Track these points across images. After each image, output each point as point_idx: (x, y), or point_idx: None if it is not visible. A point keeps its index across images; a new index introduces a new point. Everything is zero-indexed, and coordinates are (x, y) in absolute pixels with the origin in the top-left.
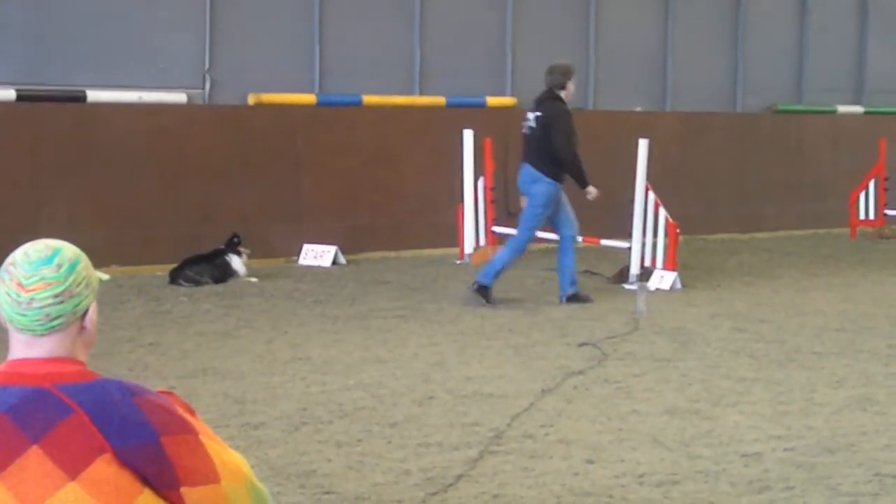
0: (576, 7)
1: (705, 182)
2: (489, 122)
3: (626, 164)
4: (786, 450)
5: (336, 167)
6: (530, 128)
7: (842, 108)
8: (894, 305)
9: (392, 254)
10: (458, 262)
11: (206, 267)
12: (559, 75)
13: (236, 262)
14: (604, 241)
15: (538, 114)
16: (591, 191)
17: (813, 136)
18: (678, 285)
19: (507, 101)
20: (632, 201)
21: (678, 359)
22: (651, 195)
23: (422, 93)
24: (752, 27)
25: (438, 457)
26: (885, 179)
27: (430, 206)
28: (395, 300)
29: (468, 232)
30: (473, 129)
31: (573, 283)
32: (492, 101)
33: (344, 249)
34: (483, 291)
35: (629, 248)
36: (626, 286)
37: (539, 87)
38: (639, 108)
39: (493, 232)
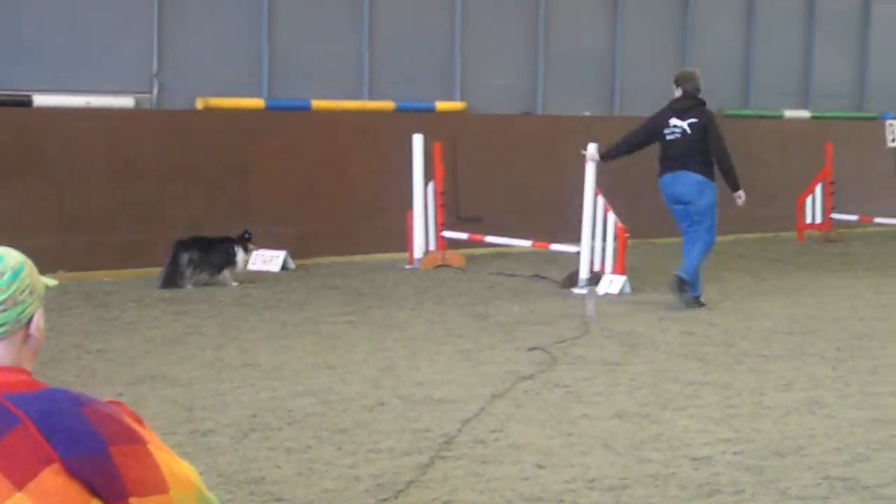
0: (525, 12)
1: (654, 186)
2: (439, 127)
3: (575, 169)
4: (735, 453)
5: (285, 172)
6: (683, 133)
7: (789, 113)
8: (842, 309)
9: (341, 259)
10: (408, 267)
11: (203, 254)
12: (697, 81)
13: (240, 255)
14: (553, 246)
15: (693, 120)
16: (742, 194)
17: (760, 141)
18: (627, 289)
19: (457, 105)
20: (581, 205)
21: (627, 363)
22: (600, 199)
23: (371, 98)
24: (699, 32)
25: (389, 463)
26: (832, 183)
27: (379, 211)
28: (344, 305)
29: (418, 237)
30: (423, 134)
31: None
32: (441, 105)
33: (293, 254)
34: (682, 286)
35: (578, 253)
36: (576, 290)
37: (483, 92)
38: (587, 113)
39: (443, 237)
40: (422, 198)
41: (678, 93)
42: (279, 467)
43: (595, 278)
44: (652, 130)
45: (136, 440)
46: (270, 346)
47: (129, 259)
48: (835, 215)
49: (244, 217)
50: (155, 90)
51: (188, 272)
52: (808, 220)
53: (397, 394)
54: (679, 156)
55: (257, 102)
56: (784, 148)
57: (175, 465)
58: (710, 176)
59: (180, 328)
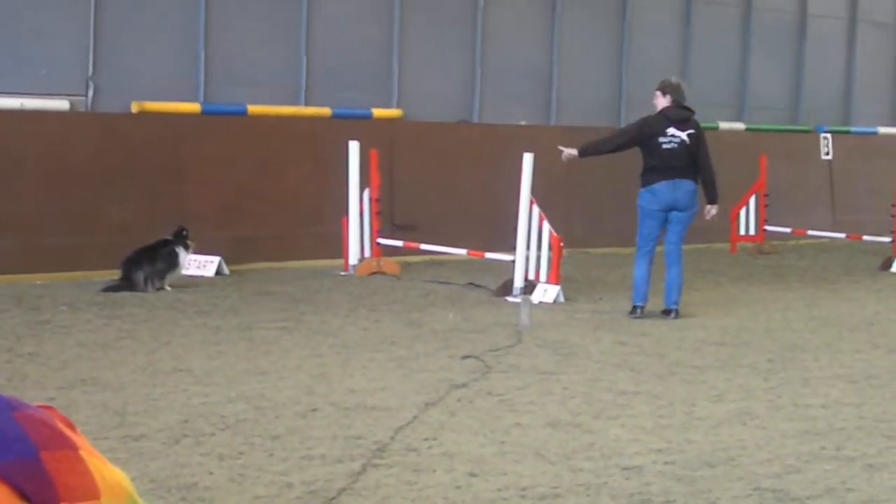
0: (462, 20)
1: (589, 196)
2: (375, 134)
3: (511, 178)
4: (666, 463)
5: (220, 177)
6: (682, 143)
7: (724, 125)
8: (774, 320)
9: (276, 265)
10: (343, 273)
11: (152, 266)
12: (683, 91)
13: (182, 256)
14: (488, 255)
15: (691, 131)
16: (716, 208)
17: None
18: (561, 298)
19: (393, 112)
20: (516, 214)
21: (560, 372)
22: (535, 209)
23: (308, 103)
24: (636, 42)
25: (321, 470)
26: (766, 195)
27: (314, 218)
28: (278, 311)
29: (353, 244)
30: (359, 141)
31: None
32: (378, 112)
33: (228, 260)
34: (672, 313)
35: (513, 262)
36: (510, 299)
37: (420, 99)
38: (524, 122)
39: (378, 244)
40: (357, 205)
41: (665, 101)
42: (211, 473)
43: (529, 287)
44: (641, 136)
45: (68, 445)
46: (203, 351)
47: (62, 263)
48: (768, 227)
49: (179, 221)
50: (90, 93)
51: (147, 287)
52: (742, 232)
53: (330, 401)
54: (676, 164)
55: (193, 107)
56: (718, 160)
57: (107, 471)
58: (698, 184)
59: (113, 332)
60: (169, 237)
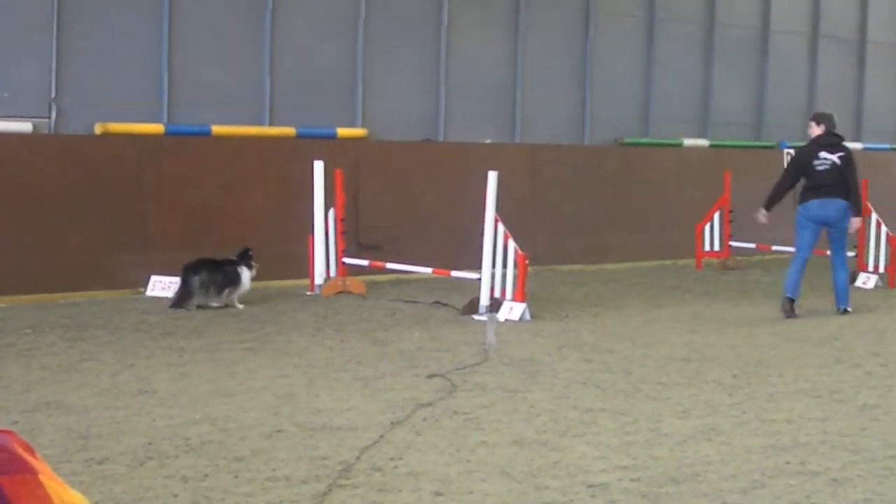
0: (426, 40)
1: (554, 214)
2: (340, 154)
3: (476, 196)
4: (632, 480)
5: (184, 197)
6: (833, 164)
7: (688, 141)
8: (739, 336)
9: None
10: (309, 293)
11: (214, 277)
12: (834, 120)
13: (245, 275)
14: (454, 273)
15: (841, 154)
16: (859, 221)
17: (659, 169)
18: (527, 316)
19: (358, 132)
20: (481, 233)
21: (526, 390)
22: (500, 227)
23: (272, 123)
24: (599, 61)
25: (286, 491)
26: (730, 211)
27: (280, 238)
28: (243, 332)
29: (318, 263)
30: (324, 161)
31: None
32: (342, 132)
33: None
34: (847, 313)
35: (479, 280)
36: (476, 317)
37: (385, 119)
38: (488, 141)
39: (344, 263)
40: (322, 224)
41: (819, 130)
42: (176, 496)
43: (495, 305)
44: (801, 167)
45: (27, 470)
46: (168, 373)
47: (25, 285)
48: (733, 243)
49: (143, 243)
50: (53, 115)
51: (199, 293)
52: (707, 248)
53: (295, 421)
54: (828, 184)
55: (157, 128)
56: (683, 176)
57: (66, 495)
58: (850, 202)
59: (76, 355)
60: (233, 257)
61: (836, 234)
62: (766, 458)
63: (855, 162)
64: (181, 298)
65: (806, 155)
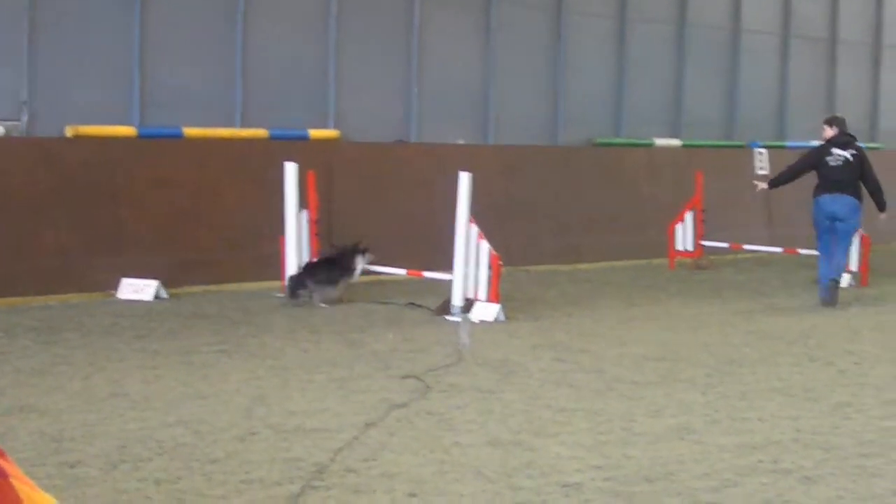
0: (398, 41)
1: (527, 214)
2: (312, 155)
3: (449, 197)
4: (605, 479)
5: (157, 200)
6: (846, 161)
7: (659, 141)
8: (712, 335)
9: (214, 287)
10: (281, 295)
11: (329, 270)
12: (846, 123)
13: (359, 263)
14: (427, 274)
15: (853, 152)
16: (885, 216)
17: (631, 169)
18: (501, 317)
19: (330, 133)
20: (454, 233)
21: (500, 390)
22: (473, 227)
23: (244, 125)
24: (571, 62)
25: (260, 493)
26: (702, 211)
27: (252, 240)
28: (216, 335)
29: (291, 265)
30: (296, 162)
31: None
32: (315, 133)
33: (165, 283)
34: (836, 281)
35: (452, 281)
36: (450, 318)
37: (357, 120)
38: (461, 141)
39: None
40: (295, 226)
41: (833, 131)
42: (149, 499)
43: (469, 306)
44: (814, 161)
45: None
46: (141, 375)
47: None
48: (705, 242)
49: (115, 246)
50: (24, 118)
51: (316, 285)
52: (679, 248)
53: (269, 423)
54: (839, 180)
55: (128, 130)
56: (655, 176)
57: (38, 497)
58: (861, 199)
59: (48, 358)
60: (348, 249)
61: (842, 228)
62: (739, 457)
63: (869, 160)
64: (295, 292)
65: (820, 152)
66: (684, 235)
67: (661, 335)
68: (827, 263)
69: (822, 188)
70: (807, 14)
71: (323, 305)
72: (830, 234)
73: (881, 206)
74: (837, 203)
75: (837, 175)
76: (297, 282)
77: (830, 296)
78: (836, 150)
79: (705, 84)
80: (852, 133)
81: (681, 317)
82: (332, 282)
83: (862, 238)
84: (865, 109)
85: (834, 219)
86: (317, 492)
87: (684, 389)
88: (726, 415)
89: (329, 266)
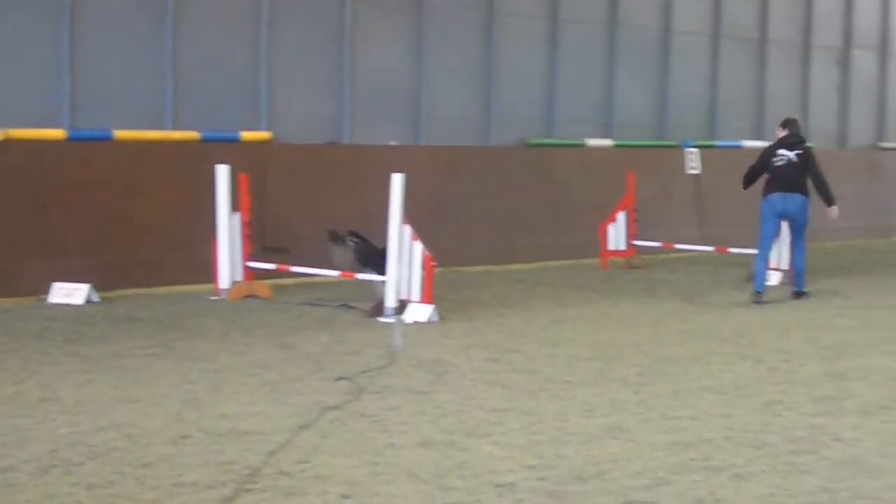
0: (330, 42)
1: (460, 215)
2: (244, 157)
3: (382, 198)
4: (538, 479)
5: (87, 203)
6: (790, 160)
7: (591, 141)
8: (644, 334)
9: (146, 291)
10: (214, 298)
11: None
12: (799, 127)
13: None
14: (360, 275)
15: (799, 152)
16: (835, 210)
17: (564, 169)
18: (434, 318)
19: (262, 135)
20: (387, 235)
21: (433, 391)
22: (406, 229)
23: (175, 127)
24: (503, 63)
25: (192, 496)
26: (634, 211)
27: (184, 242)
28: (148, 338)
29: (223, 268)
30: (228, 164)
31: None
32: (246, 135)
33: (97, 287)
34: (801, 294)
35: (385, 282)
36: (383, 320)
37: (289, 122)
38: (394, 143)
39: (250, 267)
40: (227, 228)
41: (784, 132)
42: (81, 503)
43: (402, 307)
44: (764, 161)
45: None
46: (72, 380)
47: None
48: (637, 242)
49: (46, 250)
50: None
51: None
52: (612, 247)
53: (201, 427)
54: (786, 178)
55: (58, 133)
56: (587, 176)
57: None
58: (808, 196)
59: None
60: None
61: (795, 226)
62: (671, 455)
63: (815, 159)
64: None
65: (767, 153)
66: (616, 235)
67: (594, 335)
68: (763, 262)
69: (771, 187)
70: (737, 15)
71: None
72: (776, 233)
73: (828, 201)
74: (789, 202)
75: (783, 174)
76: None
77: (763, 295)
78: (781, 151)
79: (637, 84)
80: (801, 135)
81: (613, 316)
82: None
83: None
84: (795, 109)
85: (784, 216)
86: (250, 495)
87: (616, 388)
88: (658, 413)
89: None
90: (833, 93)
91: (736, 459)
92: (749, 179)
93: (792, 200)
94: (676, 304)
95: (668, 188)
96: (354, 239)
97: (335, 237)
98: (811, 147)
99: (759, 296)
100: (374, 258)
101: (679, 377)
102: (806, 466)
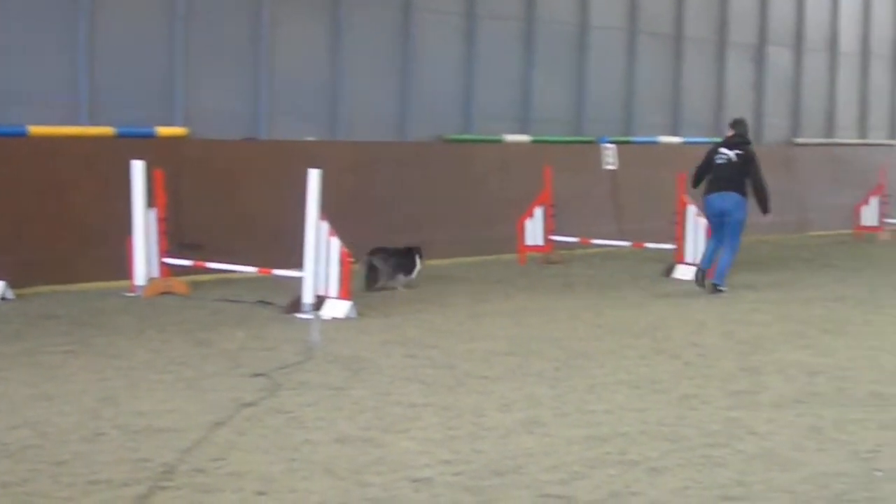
0: (247, 37)
1: (378, 210)
2: (160, 153)
3: (299, 194)
4: (455, 474)
5: (1, 199)
6: (729, 160)
7: (509, 137)
8: (561, 329)
9: (61, 288)
10: (130, 294)
11: (396, 259)
12: (745, 127)
13: (417, 264)
14: (276, 271)
15: (739, 152)
16: (770, 217)
17: (482, 165)
18: (352, 314)
19: (178, 131)
20: (305, 231)
21: (351, 387)
22: (324, 224)
23: (90, 123)
24: (420, 58)
25: (107, 494)
26: (552, 206)
27: (100, 239)
28: (63, 335)
29: (139, 264)
30: (144, 160)
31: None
32: (162, 131)
33: (12, 284)
34: (717, 288)
35: (302, 278)
36: (300, 316)
37: (206, 117)
38: (311, 138)
39: (166, 264)
40: (143, 225)
41: (730, 133)
42: None
43: (319, 303)
44: (708, 160)
45: None
46: None
47: None
48: (555, 237)
49: None
50: None
51: (384, 277)
52: (530, 243)
53: (117, 424)
54: (723, 178)
55: None
56: (505, 172)
57: None
58: (746, 197)
59: None
60: (410, 247)
61: (730, 223)
62: (587, 449)
63: (755, 160)
64: (372, 281)
65: (710, 152)
66: (534, 230)
67: (511, 330)
68: (712, 245)
69: (710, 187)
70: (653, 11)
71: (401, 288)
72: (721, 229)
73: (763, 208)
74: (725, 200)
75: (721, 173)
76: (373, 278)
77: (699, 283)
78: (723, 150)
79: (554, 80)
80: (744, 136)
81: (530, 311)
82: (402, 275)
83: (708, 231)
84: (710, 105)
85: (721, 214)
86: (165, 492)
87: (533, 383)
88: (574, 408)
89: (401, 257)
90: (748, 89)
91: (651, 453)
92: (696, 178)
93: (728, 199)
94: (593, 299)
95: (585, 183)
96: (376, 259)
97: (375, 281)
98: (751, 147)
99: (701, 273)
100: (401, 261)
101: (595, 371)
102: (720, 459)
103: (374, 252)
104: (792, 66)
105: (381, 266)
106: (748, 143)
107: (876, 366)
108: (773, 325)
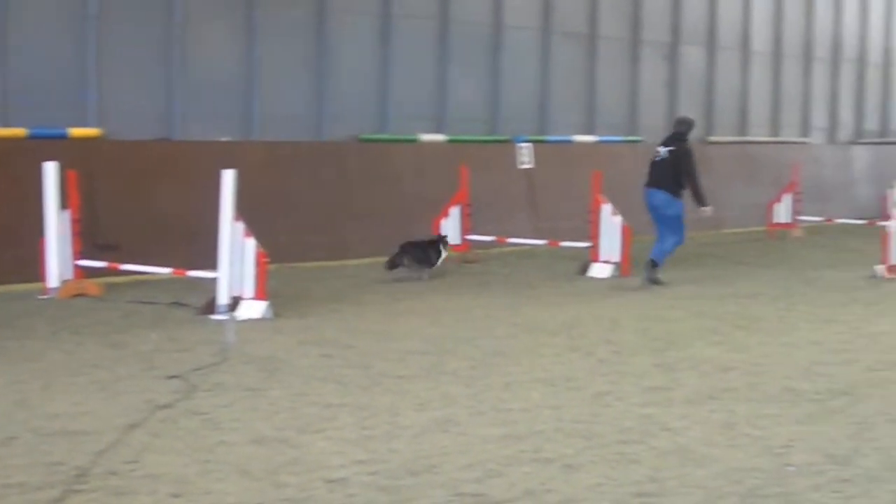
0: (160, 37)
1: (293, 210)
2: (73, 154)
3: (214, 194)
4: (370, 474)
5: None
6: (663, 158)
7: (424, 136)
8: (477, 328)
9: None
10: (43, 297)
11: (424, 251)
12: (686, 126)
13: (442, 253)
14: (190, 273)
15: (671, 148)
16: (708, 210)
17: (397, 164)
18: (268, 314)
19: (91, 131)
20: (219, 231)
21: (266, 388)
22: (239, 225)
23: (2, 124)
24: (335, 58)
25: (20, 498)
26: (468, 205)
27: (11, 241)
28: None
29: (52, 266)
30: (56, 161)
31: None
32: (75, 132)
33: None
34: (654, 264)
35: (217, 279)
36: (215, 317)
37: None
38: (226, 138)
39: (79, 265)
40: (55, 226)
41: (673, 130)
42: None
43: (235, 304)
44: (651, 158)
45: None
46: None
47: None
48: (471, 236)
49: None
50: None
51: (410, 264)
52: None
53: (30, 427)
54: (656, 175)
55: None
56: (421, 171)
57: None
58: (679, 195)
59: None
60: (434, 239)
61: (664, 219)
62: (502, 447)
63: (688, 156)
64: (393, 264)
65: (654, 150)
66: (450, 230)
67: (427, 329)
68: (659, 242)
69: (646, 183)
70: (567, 10)
71: (425, 277)
72: (658, 223)
73: (698, 200)
74: (654, 197)
75: (654, 170)
76: (396, 262)
77: (647, 273)
78: (659, 148)
79: (469, 80)
80: (680, 134)
81: (446, 310)
82: (431, 262)
83: (623, 229)
84: (625, 104)
85: (654, 209)
86: (78, 495)
87: (449, 382)
88: (490, 406)
89: (424, 248)
90: (662, 88)
91: (566, 450)
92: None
93: (656, 196)
94: (509, 298)
95: (501, 183)
96: (405, 256)
97: (393, 266)
98: (686, 145)
99: (651, 264)
100: (426, 252)
101: (511, 370)
102: (634, 456)
103: (405, 247)
104: (705, 64)
105: (408, 261)
106: (683, 140)
107: (789, 361)
108: (687, 321)
